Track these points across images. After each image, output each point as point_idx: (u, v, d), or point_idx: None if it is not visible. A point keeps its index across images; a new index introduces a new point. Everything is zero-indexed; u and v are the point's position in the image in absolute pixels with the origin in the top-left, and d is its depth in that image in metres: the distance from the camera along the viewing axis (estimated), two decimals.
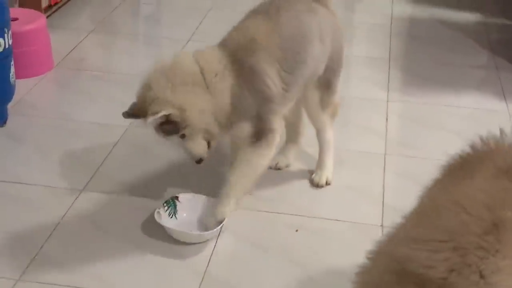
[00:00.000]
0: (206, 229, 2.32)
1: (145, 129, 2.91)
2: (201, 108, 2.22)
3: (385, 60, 3.67)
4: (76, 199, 2.52)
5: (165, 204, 2.39)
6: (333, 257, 2.29)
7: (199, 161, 2.33)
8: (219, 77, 2.26)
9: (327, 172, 2.62)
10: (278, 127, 2.37)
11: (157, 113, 2.18)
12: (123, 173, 2.68)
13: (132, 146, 2.85)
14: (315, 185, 2.61)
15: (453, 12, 4.33)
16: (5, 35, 2.85)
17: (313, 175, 2.63)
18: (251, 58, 2.30)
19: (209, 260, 2.26)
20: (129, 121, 2.97)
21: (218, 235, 2.34)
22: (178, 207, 2.39)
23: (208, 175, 2.61)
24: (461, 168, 1.61)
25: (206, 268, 2.22)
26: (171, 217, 2.36)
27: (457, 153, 1.66)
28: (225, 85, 2.27)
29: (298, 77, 2.38)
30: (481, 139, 1.64)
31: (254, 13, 2.43)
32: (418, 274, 1.35)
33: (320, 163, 2.64)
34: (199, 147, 2.29)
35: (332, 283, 2.19)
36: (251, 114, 2.31)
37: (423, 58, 3.73)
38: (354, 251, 2.29)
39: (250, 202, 2.51)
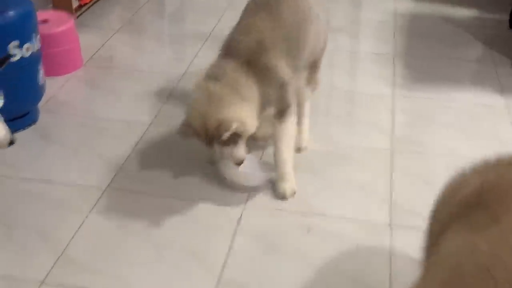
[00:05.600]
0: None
1: (166, 128, 2.73)
2: (251, 118, 2.20)
3: (389, 56, 3.41)
4: (100, 197, 2.33)
5: None
6: (342, 257, 2.07)
7: (241, 162, 2.24)
8: (247, 87, 2.21)
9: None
10: (294, 100, 2.33)
11: (229, 128, 2.09)
12: (145, 171, 2.48)
13: (154, 144, 2.64)
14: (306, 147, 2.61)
15: (454, 8, 4.04)
16: (33, 39, 2.62)
17: (303, 142, 2.60)
18: (263, 59, 2.22)
19: (225, 261, 2.06)
20: (151, 119, 2.79)
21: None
22: None
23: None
24: (479, 206, 1.27)
25: (222, 270, 2.02)
26: None
27: (470, 187, 1.33)
28: (253, 91, 2.22)
29: (302, 59, 2.36)
30: (487, 164, 1.35)
31: (255, 7, 2.31)
32: None
33: (303, 129, 2.60)
34: (243, 151, 2.23)
35: (340, 284, 1.98)
36: (275, 98, 2.28)
37: (426, 54, 3.46)
38: (363, 251, 2.10)
39: (263, 201, 2.31)
